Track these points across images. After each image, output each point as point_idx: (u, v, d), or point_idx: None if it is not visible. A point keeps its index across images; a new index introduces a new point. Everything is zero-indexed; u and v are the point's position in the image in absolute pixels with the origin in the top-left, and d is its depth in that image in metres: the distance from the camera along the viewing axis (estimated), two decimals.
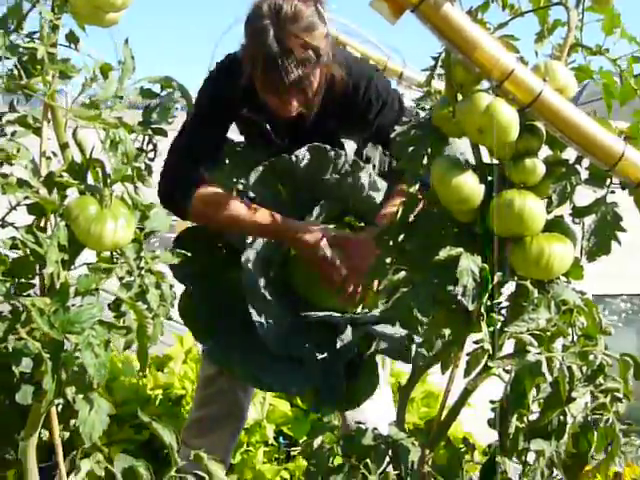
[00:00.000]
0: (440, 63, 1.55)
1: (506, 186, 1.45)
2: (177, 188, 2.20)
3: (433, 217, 1.57)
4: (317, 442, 1.75)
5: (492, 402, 1.53)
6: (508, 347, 1.53)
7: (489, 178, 1.48)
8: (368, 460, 1.64)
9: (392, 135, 1.58)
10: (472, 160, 1.49)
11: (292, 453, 3.14)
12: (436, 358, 1.62)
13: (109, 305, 1.47)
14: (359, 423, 1.95)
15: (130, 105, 1.47)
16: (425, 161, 1.52)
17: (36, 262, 1.40)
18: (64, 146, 1.45)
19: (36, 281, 1.46)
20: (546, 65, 1.44)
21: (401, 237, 1.60)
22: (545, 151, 1.48)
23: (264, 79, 2.09)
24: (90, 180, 1.43)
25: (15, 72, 1.38)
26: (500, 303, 1.50)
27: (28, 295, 1.41)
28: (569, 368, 1.43)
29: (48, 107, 1.44)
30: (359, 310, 2.29)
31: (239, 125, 2.40)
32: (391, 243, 1.61)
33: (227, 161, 2.32)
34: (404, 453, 1.65)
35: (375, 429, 1.72)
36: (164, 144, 1.61)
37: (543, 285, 1.49)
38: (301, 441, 3.14)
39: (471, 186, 1.45)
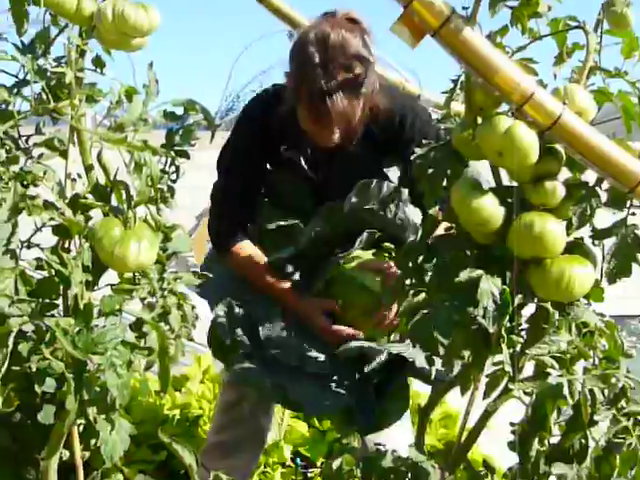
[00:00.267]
0: (459, 86, 1.56)
1: (526, 208, 1.45)
2: (219, 235, 2.36)
3: (453, 239, 1.57)
4: (336, 464, 1.75)
5: (512, 424, 1.53)
6: (528, 370, 1.52)
7: (509, 200, 1.49)
8: None
9: (412, 157, 1.60)
10: (492, 182, 1.51)
11: (309, 475, 3.13)
12: (456, 380, 1.62)
13: (130, 326, 1.48)
14: (378, 445, 1.95)
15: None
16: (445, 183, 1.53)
17: (60, 283, 1.42)
18: (89, 168, 1.47)
19: (60, 302, 1.47)
20: (565, 88, 1.45)
21: (421, 259, 1.61)
22: (565, 173, 1.49)
23: (309, 107, 2.10)
24: (114, 202, 1.45)
25: (43, 96, 1.40)
26: (520, 325, 1.50)
27: (52, 315, 1.42)
28: (591, 391, 1.43)
29: (74, 130, 1.46)
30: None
31: (278, 168, 2.40)
32: (411, 265, 1.62)
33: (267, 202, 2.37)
34: (424, 476, 1.65)
35: (394, 451, 1.72)
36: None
37: (563, 307, 1.49)
38: (318, 463, 3.13)
39: (491, 208, 1.45)
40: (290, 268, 2.30)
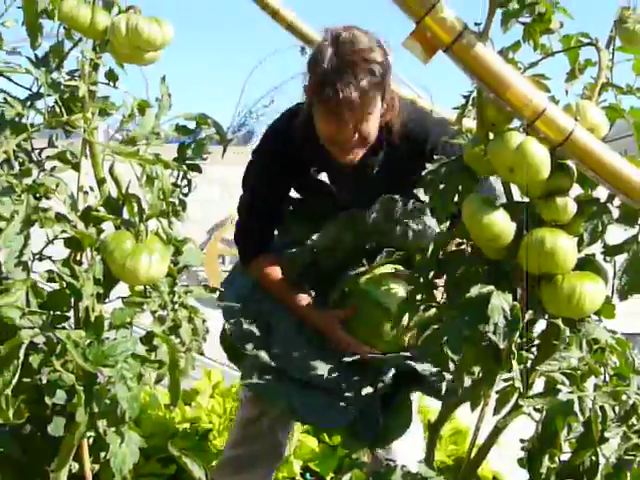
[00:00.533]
0: (471, 102, 1.57)
1: (537, 224, 1.45)
2: (242, 249, 2.43)
3: (464, 255, 1.57)
4: (346, 479, 1.74)
5: (522, 441, 1.52)
6: (538, 386, 1.52)
7: (520, 216, 1.48)
8: None
9: (423, 173, 1.60)
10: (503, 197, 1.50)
11: None
12: (466, 396, 1.61)
13: (141, 339, 1.49)
14: (388, 460, 1.94)
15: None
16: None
17: (72, 295, 1.42)
18: (101, 181, 1.48)
19: (71, 314, 1.47)
20: (577, 104, 1.45)
21: (432, 274, 1.61)
22: (576, 189, 1.49)
23: (320, 100, 2.09)
24: (126, 215, 1.46)
25: (56, 109, 1.41)
26: (531, 341, 1.50)
27: (63, 328, 1.42)
28: (601, 408, 1.42)
29: (86, 143, 1.47)
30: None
31: (301, 189, 2.44)
32: (422, 280, 1.62)
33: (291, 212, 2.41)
34: None
35: (404, 466, 1.71)
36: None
37: (574, 323, 1.48)
38: (328, 478, 3.11)
39: (502, 224, 1.45)
40: (306, 278, 2.32)
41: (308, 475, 3.15)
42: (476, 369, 1.54)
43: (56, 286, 1.45)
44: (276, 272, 2.34)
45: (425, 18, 1.32)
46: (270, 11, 2.63)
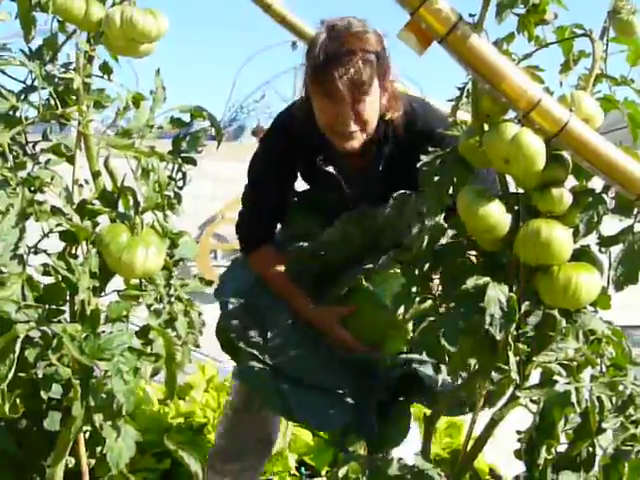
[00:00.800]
0: (466, 93, 1.56)
1: (533, 215, 1.45)
2: (245, 241, 2.41)
3: (459, 246, 1.57)
4: (342, 472, 1.74)
5: (519, 433, 1.52)
6: (534, 377, 1.52)
7: (516, 207, 1.48)
8: None
9: (418, 165, 1.59)
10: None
11: None
12: (462, 388, 1.62)
13: (137, 332, 1.48)
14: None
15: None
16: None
17: (67, 289, 1.42)
18: (96, 174, 1.47)
19: (67, 307, 1.47)
20: (572, 95, 1.45)
21: (427, 266, 1.61)
22: (572, 181, 1.49)
23: (315, 80, 2.09)
24: (121, 208, 1.45)
25: (51, 102, 1.40)
26: (526, 332, 1.50)
27: (59, 321, 1.42)
28: (598, 398, 1.42)
29: (81, 136, 1.46)
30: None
31: (308, 178, 2.44)
32: (417, 272, 1.62)
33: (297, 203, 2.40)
34: None
35: (400, 459, 1.71)
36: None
37: (570, 314, 1.48)
38: (323, 471, 3.11)
39: (498, 215, 1.45)
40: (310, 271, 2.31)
41: (303, 469, 3.15)
42: (472, 361, 1.54)
43: (52, 280, 1.44)
44: (277, 264, 2.33)
45: (420, 9, 1.31)
46: (263, 5, 2.63)
